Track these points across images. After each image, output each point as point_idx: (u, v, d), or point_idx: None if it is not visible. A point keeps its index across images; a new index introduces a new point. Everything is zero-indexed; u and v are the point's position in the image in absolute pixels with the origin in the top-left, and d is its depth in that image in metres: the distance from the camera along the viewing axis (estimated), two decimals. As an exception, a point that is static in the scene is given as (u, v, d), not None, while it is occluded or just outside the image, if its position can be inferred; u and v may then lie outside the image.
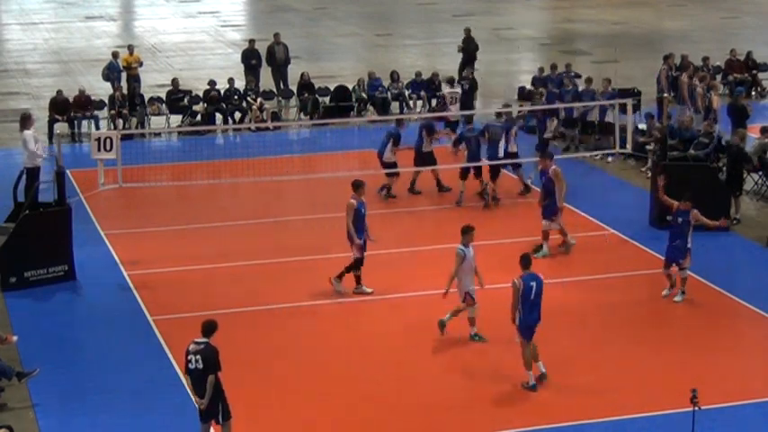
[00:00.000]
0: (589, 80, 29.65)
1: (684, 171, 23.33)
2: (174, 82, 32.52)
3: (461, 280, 17.66)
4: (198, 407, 14.00)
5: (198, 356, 13.77)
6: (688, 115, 27.99)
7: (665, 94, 26.73)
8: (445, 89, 30.66)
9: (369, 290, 19.67)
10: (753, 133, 26.92)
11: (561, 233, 21.65)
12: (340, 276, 19.68)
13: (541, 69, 33.43)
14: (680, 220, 19.25)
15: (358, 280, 19.68)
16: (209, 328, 13.97)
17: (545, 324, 18.46)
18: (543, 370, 16.42)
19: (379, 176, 25.32)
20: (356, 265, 19.63)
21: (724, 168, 24.66)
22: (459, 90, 30.65)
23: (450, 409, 15.79)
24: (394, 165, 25.07)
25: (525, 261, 16.44)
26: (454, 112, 29.20)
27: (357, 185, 19.63)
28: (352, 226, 19.34)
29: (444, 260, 21.43)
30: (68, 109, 30.77)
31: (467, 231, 17.77)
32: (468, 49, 36.18)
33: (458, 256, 17.61)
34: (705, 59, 33.94)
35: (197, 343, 13.87)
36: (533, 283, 16.19)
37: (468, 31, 36.71)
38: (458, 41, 37.31)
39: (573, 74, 31.93)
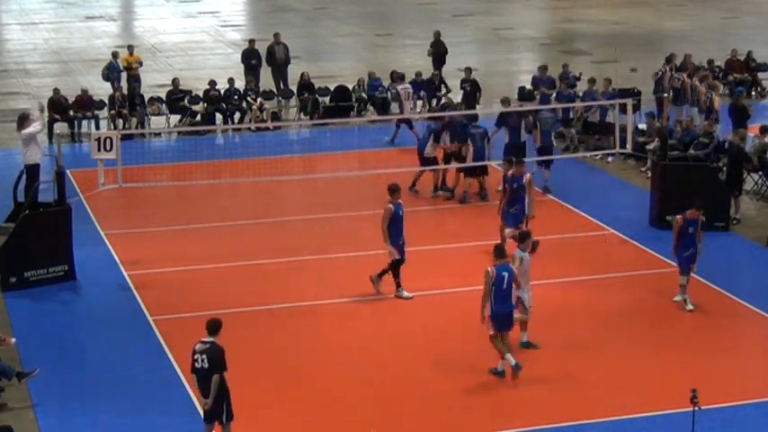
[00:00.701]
0: (592, 80, 29.62)
1: (684, 171, 23.35)
2: (175, 82, 32.51)
3: (518, 286, 17.23)
4: (202, 407, 14.00)
5: (204, 356, 13.76)
6: (688, 116, 27.98)
7: (665, 94, 26.72)
8: (397, 86, 30.73)
9: (409, 294, 19.46)
10: (752, 133, 26.94)
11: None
12: (380, 275, 19.60)
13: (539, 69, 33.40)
14: (691, 229, 18.87)
15: (398, 285, 19.51)
16: (213, 326, 13.95)
17: (545, 324, 18.53)
18: (514, 362, 16.49)
19: (378, 176, 25.31)
20: (395, 268, 19.46)
21: (724, 168, 24.66)
22: (410, 86, 30.75)
23: (450, 409, 15.79)
24: (434, 160, 25.20)
25: (499, 251, 16.69)
26: (407, 107, 29.94)
27: (394, 189, 19.49)
28: (386, 230, 19.18)
29: (444, 260, 21.51)
30: (66, 108, 30.76)
31: (525, 238, 17.51)
32: (438, 52, 35.88)
33: (517, 259, 17.24)
34: (710, 62, 33.86)
35: (203, 342, 13.87)
36: (505, 273, 16.31)
37: (437, 34, 36.40)
38: (458, 41, 37.38)
39: (572, 74, 31.85)
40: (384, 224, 19.23)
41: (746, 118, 27.64)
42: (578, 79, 31.79)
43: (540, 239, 19.88)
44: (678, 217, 19.05)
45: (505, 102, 26.55)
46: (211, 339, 13.86)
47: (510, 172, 21.04)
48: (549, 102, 29.71)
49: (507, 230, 20.57)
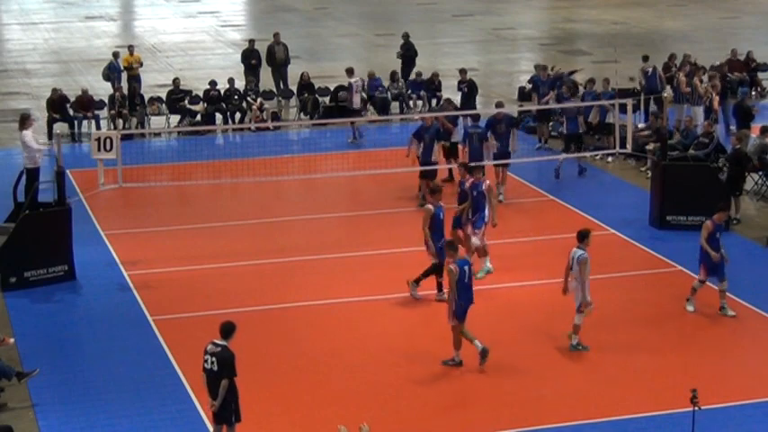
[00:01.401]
0: (591, 81, 29.60)
1: (684, 171, 23.36)
2: (175, 82, 32.51)
3: (584, 285, 17.33)
4: (209, 407, 14.00)
5: (214, 358, 13.74)
6: (688, 116, 27.99)
7: (665, 94, 26.71)
8: (349, 80, 30.89)
9: (417, 295, 19.33)
10: (753, 134, 26.94)
11: (478, 253, 20.51)
12: (417, 281, 19.43)
13: (537, 69, 33.34)
14: (718, 234, 18.60)
15: (440, 287, 19.35)
16: (226, 329, 13.91)
17: (545, 324, 18.55)
18: (482, 346, 16.82)
19: (378, 176, 25.37)
20: (435, 271, 19.31)
21: (724, 168, 24.66)
22: (359, 80, 30.94)
23: (450, 409, 15.80)
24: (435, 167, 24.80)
25: (452, 247, 17.15)
26: (357, 100, 30.31)
27: (434, 190, 19.44)
28: (428, 232, 19.07)
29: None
30: (65, 106, 30.75)
31: (586, 236, 17.48)
32: (408, 55, 35.65)
33: (586, 262, 17.26)
34: (722, 65, 33.69)
35: (215, 344, 13.84)
36: (466, 267, 16.81)
37: (406, 36, 36.21)
38: (458, 41, 37.32)
39: (566, 73, 31.79)
40: (425, 226, 19.07)
41: (750, 119, 27.65)
42: (573, 73, 31.68)
43: (537, 239, 20.05)
44: (708, 222, 18.67)
45: (500, 105, 26.14)
46: (224, 343, 13.83)
47: (470, 180, 20.46)
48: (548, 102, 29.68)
49: (474, 239, 20.15)
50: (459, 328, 16.82)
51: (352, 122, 29.92)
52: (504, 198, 24.13)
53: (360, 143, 29.66)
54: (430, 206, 19.25)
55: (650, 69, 31.21)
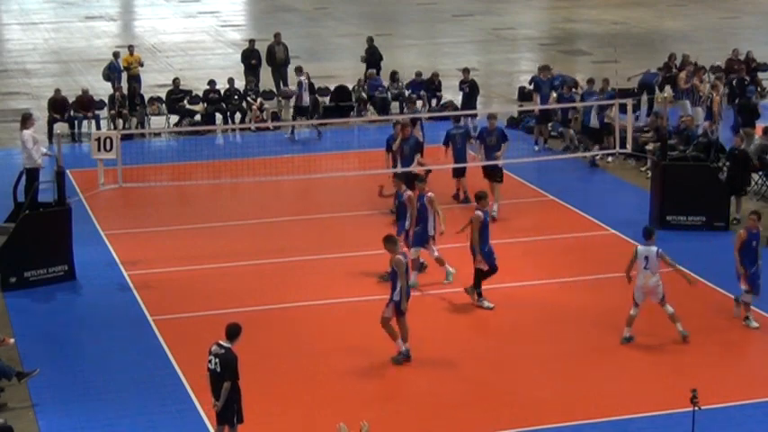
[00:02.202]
0: (590, 81, 29.60)
1: (684, 171, 23.36)
2: (176, 82, 32.50)
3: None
4: (212, 407, 14.01)
5: (217, 360, 13.74)
6: (689, 116, 27.98)
7: (665, 94, 26.73)
8: (300, 77, 31.02)
9: (490, 305, 19.11)
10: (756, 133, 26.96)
11: (438, 262, 20.21)
12: (479, 293, 19.16)
13: (540, 69, 33.32)
14: (754, 243, 18.10)
15: (479, 293, 19.17)
16: (232, 331, 13.92)
17: (545, 324, 18.54)
18: (405, 348, 17.03)
19: (377, 176, 25.32)
20: (484, 276, 19.09)
21: (724, 168, 24.65)
22: (306, 77, 31.00)
23: (450, 409, 15.80)
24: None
25: (392, 240, 17.24)
26: (305, 98, 30.59)
27: (480, 197, 19.17)
28: (477, 238, 18.81)
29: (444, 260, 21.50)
30: (67, 108, 30.77)
31: (651, 233, 17.83)
32: (372, 60, 35.36)
33: (665, 257, 17.52)
34: (736, 70, 33.65)
35: (220, 345, 13.83)
36: (406, 260, 17.09)
37: (370, 40, 35.99)
38: (458, 41, 37.32)
39: (559, 78, 31.80)
40: (475, 233, 18.83)
41: (756, 117, 27.64)
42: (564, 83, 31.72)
43: (537, 239, 20.00)
44: (741, 231, 18.31)
45: (492, 117, 24.62)
46: (228, 345, 13.83)
47: (406, 192, 20.00)
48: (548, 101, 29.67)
49: (412, 250, 19.77)
50: (403, 323, 17.00)
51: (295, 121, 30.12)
52: (498, 215, 23.29)
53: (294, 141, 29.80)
54: (479, 213, 18.90)
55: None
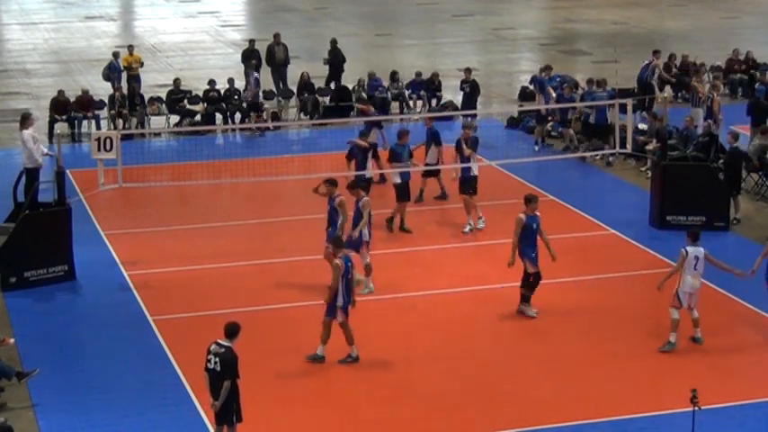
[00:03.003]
0: (590, 81, 29.58)
1: (684, 171, 23.37)
2: (177, 82, 32.47)
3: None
4: (211, 407, 14.02)
5: (217, 359, 13.74)
6: (689, 116, 27.97)
7: (665, 95, 26.74)
8: (255, 74, 31.42)
9: (533, 312, 18.74)
10: (745, 132, 26.98)
11: (366, 270, 19.72)
12: (526, 300, 18.80)
13: (541, 70, 33.35)
14: None
15: (524, 299, 18.82)
16: (231, 330, 13.92)
17: (545, 324, 18.53)
18: (356, 354, 17.05)
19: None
20: (532, 282, 18.71)
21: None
22: (258, 76, 31.23)
23: (449, 409, 15.80)
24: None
25: (339, 242, 17.37)
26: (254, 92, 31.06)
27: (530, 199, 18.71)
28: (517, 240, 18.38)
29: (442, 261, 21.52)
30: (69, 109, 30.77)
31: (697, 236, 17.60)
32: (335, 62, 35.15)
33: (712, 257, 17.50)
34: (736, 71, 33.53)
35: (219, 344, 13.84)
36: (349, 264, 16.95)
37: (333, 42, 35.79)
38: (458, 41, 37.31)
39: (558, 78, 31.79)
40: (515, 235, 18.43)
41: (766, 116, 27.65)
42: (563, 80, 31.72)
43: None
44: None
45: (467, 126, 23.74)
46: (228, 344, 13.83)
47: (338, 197, 19.68)
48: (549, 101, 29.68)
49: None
50: (346, 325, 17.00)
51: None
52: (484, 225, 22.88)
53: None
54: (522, 215, 18.56)
55: (647, 62, 31.37)
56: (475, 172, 22.94)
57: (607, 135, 27.53)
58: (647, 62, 32.12)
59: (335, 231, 19.34)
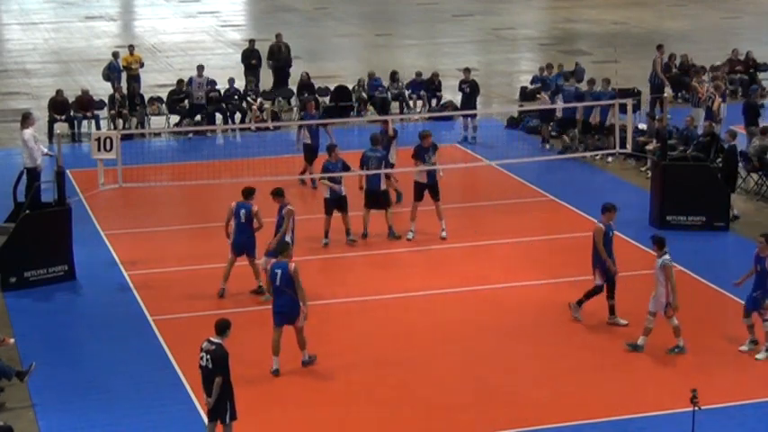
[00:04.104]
0: (591, 81, 29.56)
1: (684, 171, 23.37)
2: (180, 84, 32.40)
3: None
4: (205, 404, 14.03)
5: (209, 356, 13.80)
6: (689, 116, 27.98)
7: (665, 95, 26.74)
8: (194, 78, 31.54)
9: (624, 321, 18.42)
10: (742, 131, 26.97)
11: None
12: (579, 303, 18.64)
13: (542, 69, 33.37)
14: (759, 267, 17.33)
15: (612, 310, 18.46)
16: (221, 327, 13.97)
17: (545, 324, 18.52)
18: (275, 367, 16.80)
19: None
20: (607, 292, 18.40)
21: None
22: (205, 78, 31.44)
23: (449, 409, 15.80)
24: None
25: (282, 247, 17.46)
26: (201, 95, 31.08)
27: (609, 208, 18.49)
28: (603, 249, 18.10)
29: (442, 261, 21.51)
30: (68, 109, 30.76)
31: (660, 242, 17.40)
32: (279, 66, 34.56)
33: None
34: (736, 71, 33.51)
35: (210, 342, 13.89)
36: (278, 271, 16.65)
37: (278, 36, 35.40)
38: (458, 41, 37.31)
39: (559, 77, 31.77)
40: (599, 245, 18.14)
41: (757, 116, 27.64)
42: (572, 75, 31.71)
43: (537, 239, 19.83)
44: None
45: (425, 135, 22.74)
46: (219, 341, 13.88)
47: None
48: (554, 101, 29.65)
49: (263, 259, 19.31)
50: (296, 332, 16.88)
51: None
52: (447, 235, 22.48)
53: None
54: (601, 225, 18.30)
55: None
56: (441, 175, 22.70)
57: (597, 131, 27.55)
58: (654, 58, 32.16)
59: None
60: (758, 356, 17.26)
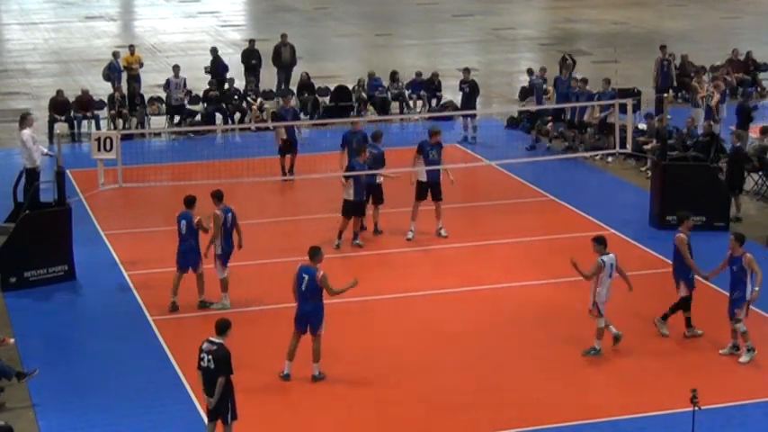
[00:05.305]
0: (584, 81, 29.51)
1: (684, 171, 23.37)
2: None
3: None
4: (206, 405, 14.02)
5: (210, 356, 13.78)
6: (689, 116, 27.99)
7: (665, 95, 26.73)
8: (177, 79, 31.63)
9: (699, 332, 18.00)
10: (753, 134, 26.96)
11: (222, 284, 19.33)
12: (665, 317, 18.27)
13: (543, 69, 33.33)
14: (734, 267, 17.23)
15: (688, 322, 18.06)
16: (221, 327, 13.96)
17: (545, 324, 18.52)
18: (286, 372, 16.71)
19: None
20: (685, 305, 18.03)
21: (724, 168, 24.66)
22: (184, 78, 31.65)
23: (450, 409, 15.80)
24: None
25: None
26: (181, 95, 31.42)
27: (686, 216, 17.99)
28: (691, 260, 17.68)
29: (442, 261, 21.52)
30: (68, 109, 30.77)
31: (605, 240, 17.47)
32: (217, 71, 34.00)
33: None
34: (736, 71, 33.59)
35: (211, 342, 13.87)
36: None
37: (214, 50, 35.11)
38: (458, 41, 37.34)
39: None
40: (686, 255, 17.69)
41: (750, 120, 27.65)
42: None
43: (537, 239, 19.80)
44: None
45: (436, 133, 22.63)
46: (220, 341, 13.86)
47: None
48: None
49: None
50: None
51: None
52: (447, 233, 22.48)
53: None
54: (683, 235, 17.78)
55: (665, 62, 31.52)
56: (453, 179, 22.57)
57: (607, 134, 27.57)
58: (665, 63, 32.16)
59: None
60: (742, 360, 17.19)
